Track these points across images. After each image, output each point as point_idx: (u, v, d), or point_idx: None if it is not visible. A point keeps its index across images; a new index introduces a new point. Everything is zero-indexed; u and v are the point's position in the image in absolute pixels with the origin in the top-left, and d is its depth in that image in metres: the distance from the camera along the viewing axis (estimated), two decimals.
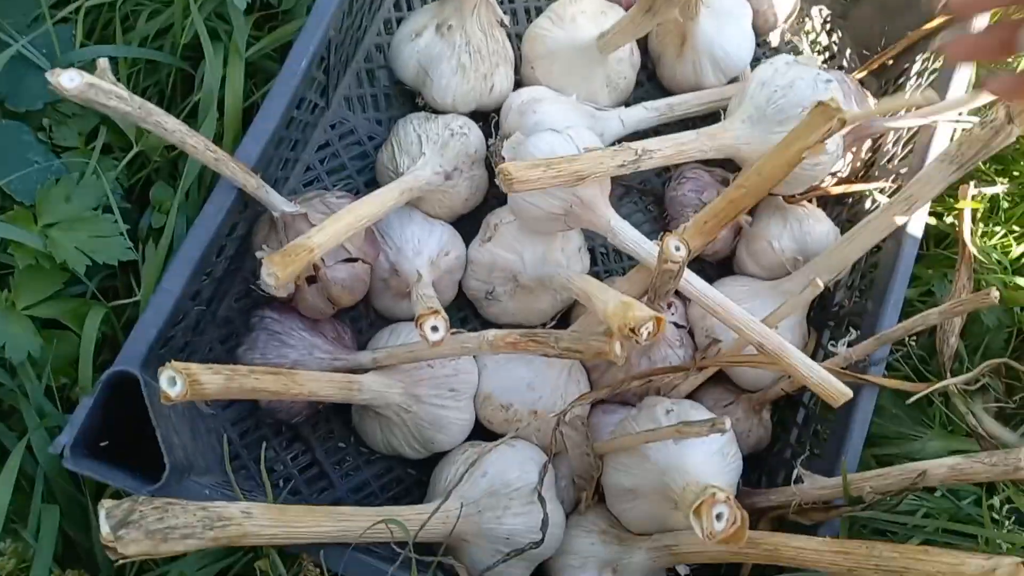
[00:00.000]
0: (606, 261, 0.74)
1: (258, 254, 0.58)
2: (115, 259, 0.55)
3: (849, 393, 0.51)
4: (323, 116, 0.72)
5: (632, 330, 0.43)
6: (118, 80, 0.62)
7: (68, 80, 0.44)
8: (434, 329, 0.50)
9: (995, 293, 0.54)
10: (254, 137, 0.55)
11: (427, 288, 0.61)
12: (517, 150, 0.59)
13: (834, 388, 0.50)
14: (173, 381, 0.43)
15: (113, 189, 0.59)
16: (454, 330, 0.53)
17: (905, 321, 0.60)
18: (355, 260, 0.59)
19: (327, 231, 0.53)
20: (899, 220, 0.59)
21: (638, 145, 0.59)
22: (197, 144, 0.49)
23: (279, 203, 0.56)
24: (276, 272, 0.49)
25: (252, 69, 0.68)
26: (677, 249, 0.46)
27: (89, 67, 0.48)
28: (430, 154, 0.65)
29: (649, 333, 0.44)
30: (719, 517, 0.42)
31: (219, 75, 0.60)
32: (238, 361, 0.60)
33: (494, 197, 0.71)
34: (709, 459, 0.55)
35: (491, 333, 0.52)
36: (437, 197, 0.67)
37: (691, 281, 0.55)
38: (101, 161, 0.61)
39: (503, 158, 0.63)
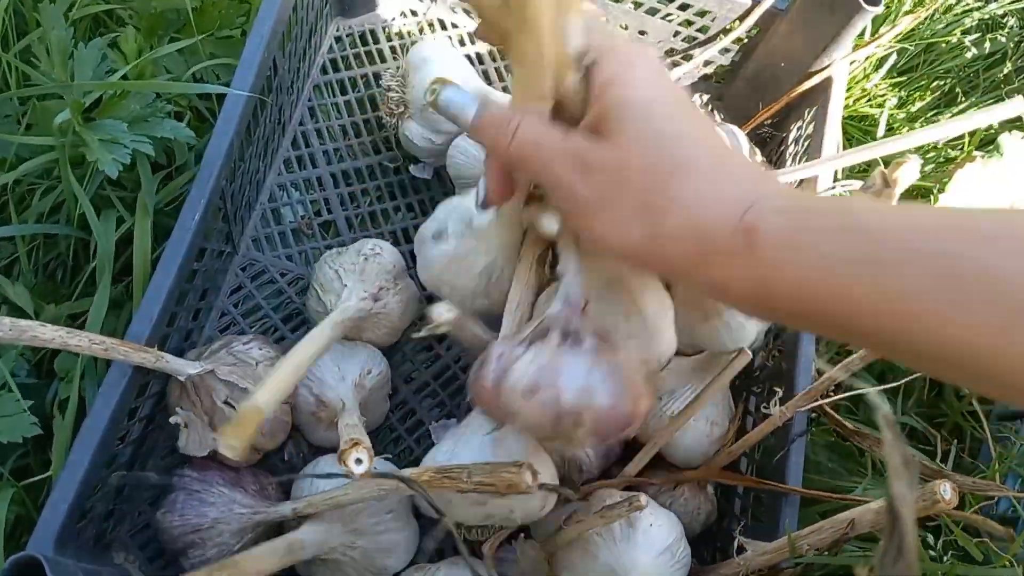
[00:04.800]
0: None
1: (172, 419, 0.58)
2: (19, 436, 0.54)
3: None
4: (232, 260, 0.73)
5: None
6: (17, 258, 0.64)
7: None
8: (358, 461, 0.51)
9: None
10: (148, 305, 0.55)
11: (351, 416, 0.60)
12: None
13: None
14: None
15: (17, 366, 0.58)
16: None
17: (821, 377, 0.62)
18: None
19: (269, 388, 0.53)
20: None
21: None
22: (81, 342, 0.49)
23: (183, 368, 0.56)
24: (231, 443, 0.49)
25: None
26: None
27: None
28: (351, 283, 0.66)
29: None
30: None
31: (111, 242, 0.61)
32: (158, 525, 0.58)
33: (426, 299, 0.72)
34: (656, 560, 0.56)
35: (407, 472, 0.52)
36: (373, 322, 0.67)
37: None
38: None
39: None
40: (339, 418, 0.62)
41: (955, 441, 0.66)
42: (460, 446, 0.55)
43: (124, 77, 0.63)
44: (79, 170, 0.63)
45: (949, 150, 0.81)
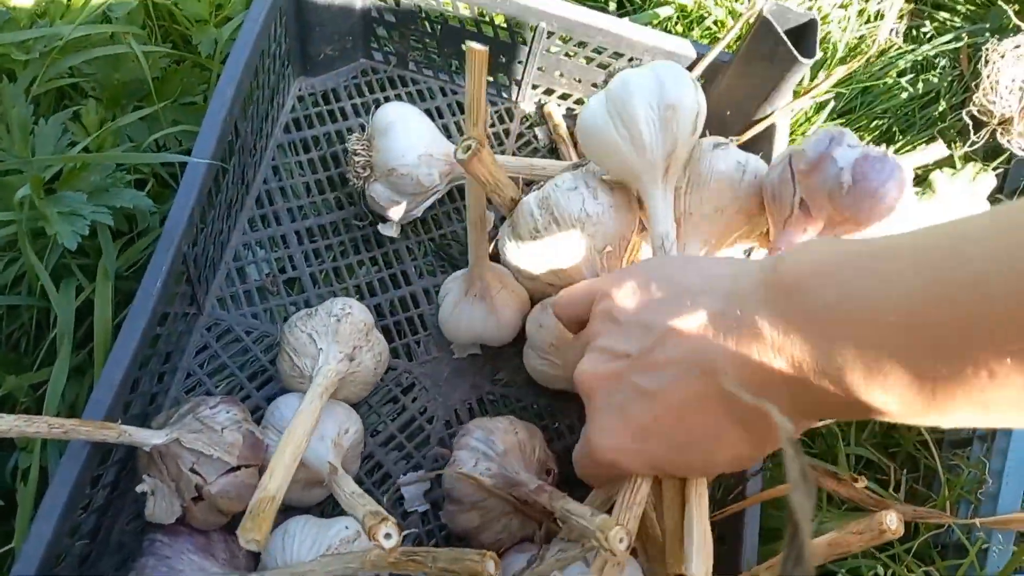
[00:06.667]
0: None
1: (138, 488, 0.58)
2: None
3: None
4: (197, 321, 0.74)
5: None
6: None
7: None
8: (387, 536, 0.50)
9: None
10: (109, 373, 0.56)
11: (350, 483, 0.60)
12: None
13: None
14: None
15: None
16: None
17: None
18: (237, 468, 0.60)
19: (277, 473, 0.55)
20: None
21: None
22: (39, 428, 0.49)
23: (147, 439, 0.57)
24: (255, 537, 0.50)
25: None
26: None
27: None
28: (326, 346, 0.67)
29: None
30: None
31: (71, 313, 0.62)
32: None
33: (395, 362, 0.73)
34: None
35: (374, 552, 0.52)
36: (349, 380, 0.69)
37: None
38: None
39: None
40: (332, 483, 0.61)
41: (906, 471, 0.68)
42: None
43: (86, 149, 0.65)
44: (42, 240, 0.65)
45: None
